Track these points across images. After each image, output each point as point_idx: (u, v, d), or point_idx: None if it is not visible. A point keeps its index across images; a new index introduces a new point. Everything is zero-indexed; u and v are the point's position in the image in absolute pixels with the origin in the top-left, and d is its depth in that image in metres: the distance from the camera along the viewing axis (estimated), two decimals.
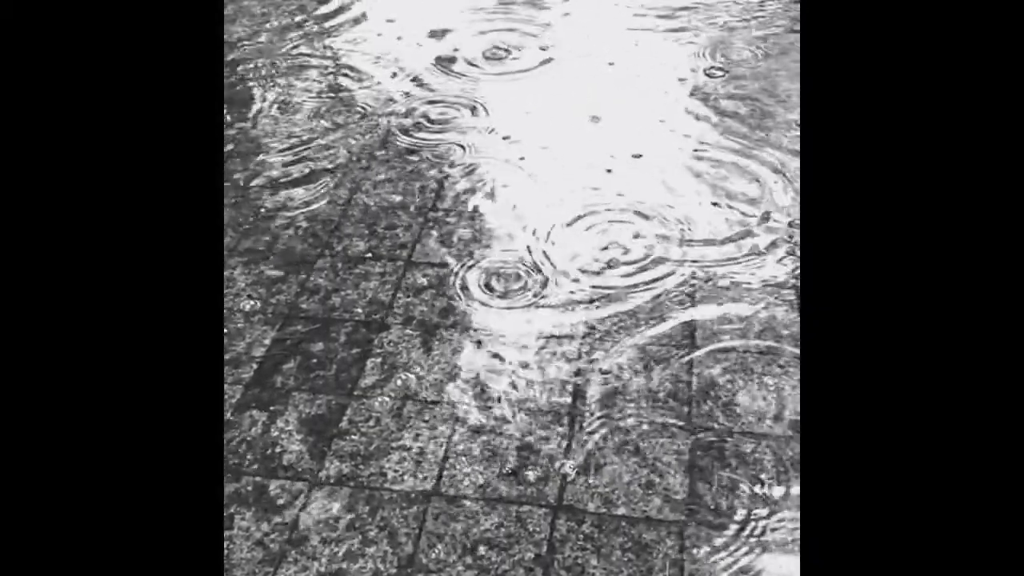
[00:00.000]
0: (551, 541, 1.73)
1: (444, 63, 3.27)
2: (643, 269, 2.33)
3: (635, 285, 2.29)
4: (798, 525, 1.72)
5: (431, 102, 3.07)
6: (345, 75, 3.25)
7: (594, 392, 2.01)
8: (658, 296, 2.25)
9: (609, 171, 2.68)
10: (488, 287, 2.31)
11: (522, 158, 2.76)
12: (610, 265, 2.27)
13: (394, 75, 3.22)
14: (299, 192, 2.69)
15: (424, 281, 2.34)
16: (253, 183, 2.73)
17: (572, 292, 2.27)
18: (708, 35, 3.34)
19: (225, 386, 2.08)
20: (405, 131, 2.93)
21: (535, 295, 2.27)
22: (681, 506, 1.78)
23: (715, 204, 2.54)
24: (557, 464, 1.87)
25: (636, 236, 2.44)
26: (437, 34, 3.46)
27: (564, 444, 1.91)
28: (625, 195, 2.59)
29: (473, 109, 3.01)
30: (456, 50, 3.34)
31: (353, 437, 1.95)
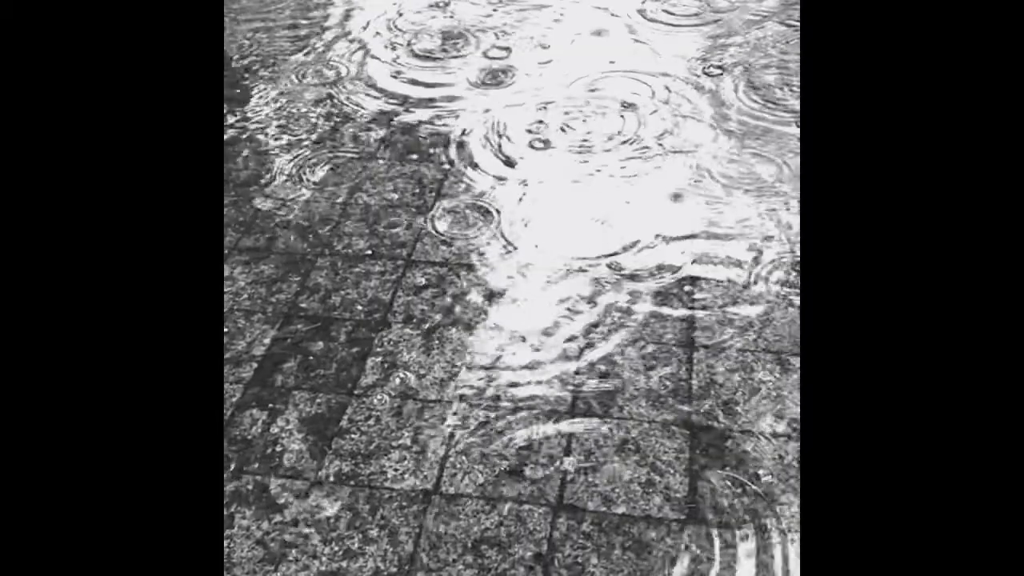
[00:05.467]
0: (551, 540, 1.74)
1: (446, 59, 3.27)
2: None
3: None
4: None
5: (431, 101, 3.07)
6: (346, 73, 3.24)
7: (594, 385, 2.02)
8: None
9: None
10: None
11: (522, 157, 2.76)
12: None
13: (395, 75, 3.22)
14: (299, 191, 2.69)
15: (424, 280, 2.34)
16: (253, 182, 2.73)
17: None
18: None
19: (225, 385, 2.08)
20: (406, 129, 2.93)
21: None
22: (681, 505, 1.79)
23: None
24: (557, 462, 1.87)
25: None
26: (439, 31, 3.46)
27: (564, 442, 1.91)
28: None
29: (473, 106, 3.01)
30: (456, 44, 3.34)
31: (353, 436, 1.96)
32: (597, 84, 3.09)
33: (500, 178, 2.68)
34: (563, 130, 2.88)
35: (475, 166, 2.73)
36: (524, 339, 2.16)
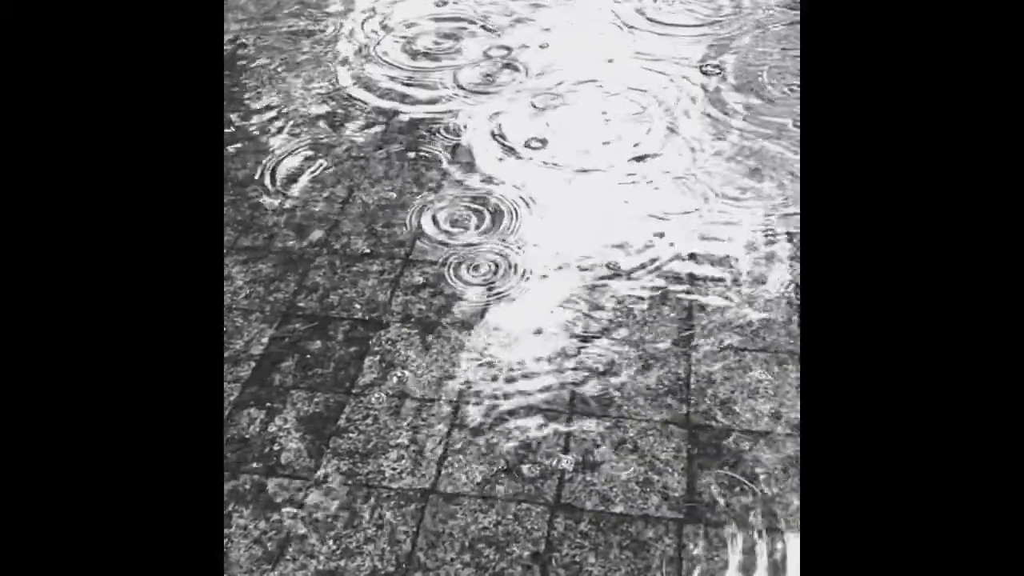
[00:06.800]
0: (549, 539, 1.74)
1: (445, 58, 3.27)
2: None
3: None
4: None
5: (431, 100, 3.07)
6: (345, 73, 3.24)
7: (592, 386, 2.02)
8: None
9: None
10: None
11: (519, 157, 2.76)
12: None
13: (392, 76, 3.22)
14: (298, 190, 2.69)
15: (422, 279, 2.34)
16: (251, 180, 2.73)
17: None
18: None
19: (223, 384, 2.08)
20: (404, 128, 2.93)
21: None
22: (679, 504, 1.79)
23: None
24: (555, 461, 1.87)
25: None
26: (437, 33, 3.45)
27: (562, 441, 1.91)
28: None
29: (473, 106, 3.01)
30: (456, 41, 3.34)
31: (351, 435, 1.96)
32: (597, 82, 3.09)
33: (498, 177, 2.68)
34: (562, 132, 2.88)
35: (471, 166, 2.74)
36: (522, 338, 2.16)
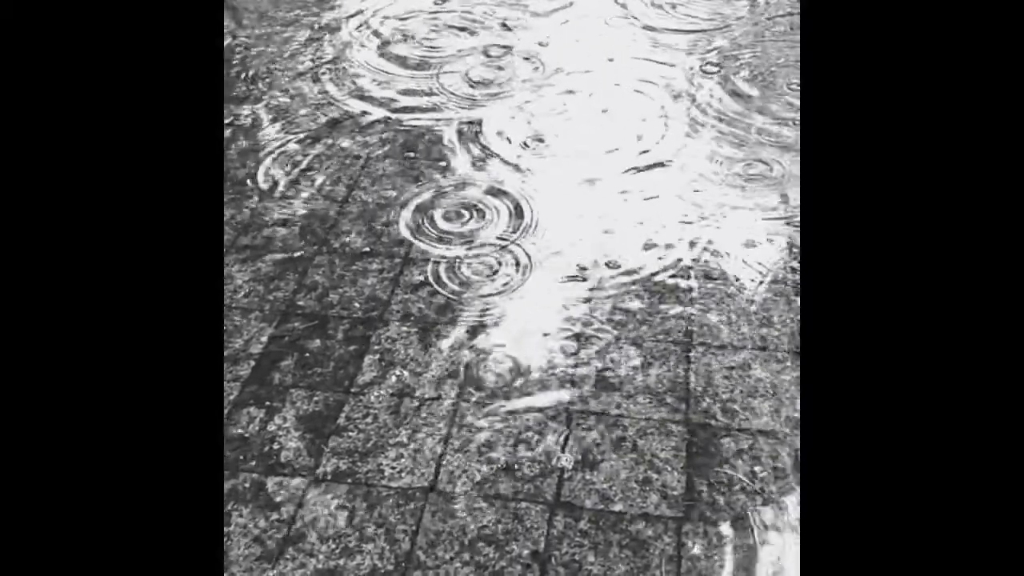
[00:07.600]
0: (548, 537, 1.74)
1: (445, 57, 3.27)
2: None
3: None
4: None
5: (428, 101, 3.07)
6: (344, 72, 3.24)
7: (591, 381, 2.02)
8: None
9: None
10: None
11: (519, 156, 2.76)
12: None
13: (390, 73, 3.22)
14: (297, 189, 2.68)
15: (421, 278, 2.34)
16: (251, 179, 2.73)
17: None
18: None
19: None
20: (403, 127, 2.93)
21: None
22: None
23: None
24: (554, 460, 1.88)
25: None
26: (434, 33, 3.46)
27: (562, 440, 1.91)
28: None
29: (471, 107, 3.01)
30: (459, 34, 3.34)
31: (351, 434, 1.96)
32: (597, 81, 3.09)
33: (498, 177, 2.68)
34: (563, 133, 2.88)
35: (470, 166, 2.74)
36: (522, 337, 2.16)
